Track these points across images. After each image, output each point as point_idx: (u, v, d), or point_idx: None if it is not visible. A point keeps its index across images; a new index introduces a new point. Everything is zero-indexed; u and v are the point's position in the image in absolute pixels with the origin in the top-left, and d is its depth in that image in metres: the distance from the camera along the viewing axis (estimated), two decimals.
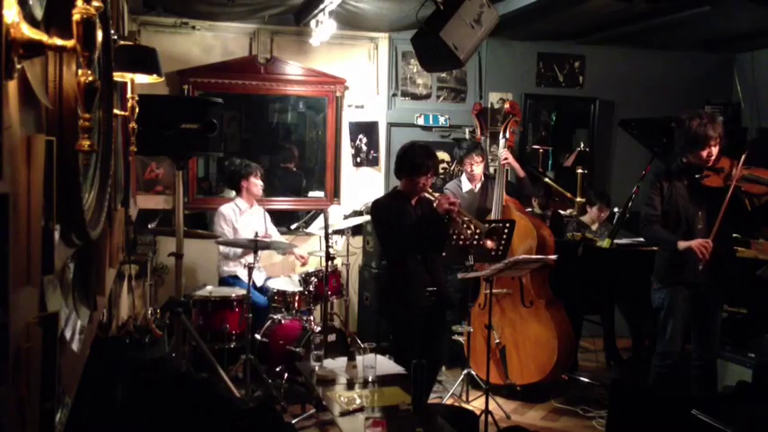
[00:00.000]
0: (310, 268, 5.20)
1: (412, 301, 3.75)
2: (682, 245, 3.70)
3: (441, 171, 6.18)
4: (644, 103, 6.41)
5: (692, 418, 2.79)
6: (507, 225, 4.22)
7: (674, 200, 3.82)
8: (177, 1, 5.12)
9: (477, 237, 3.76)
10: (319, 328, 4.62)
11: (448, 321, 4.64)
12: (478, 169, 5.00)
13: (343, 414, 2.92)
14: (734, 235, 4.79)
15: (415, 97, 6.25)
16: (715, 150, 3.72)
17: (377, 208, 3.85)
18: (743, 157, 3.70)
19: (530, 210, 5.37)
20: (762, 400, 3.42)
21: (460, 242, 3.88)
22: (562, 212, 5.93)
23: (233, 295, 4.58)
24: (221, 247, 5.09)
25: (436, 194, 3.80)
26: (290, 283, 5.02)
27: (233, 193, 5.48)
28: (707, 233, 3.70)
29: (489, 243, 3.82)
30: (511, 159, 4.89)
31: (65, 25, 1.13)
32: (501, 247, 4.31)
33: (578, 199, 5.81)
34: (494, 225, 3.84)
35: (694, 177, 3.78)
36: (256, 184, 5.22)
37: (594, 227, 5.49)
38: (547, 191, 6.07)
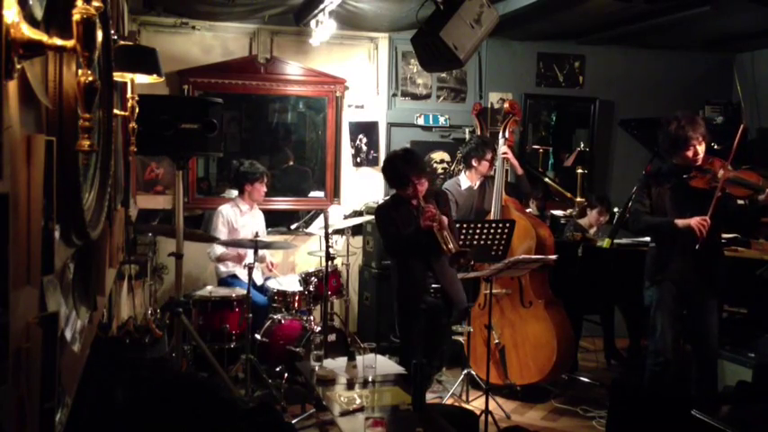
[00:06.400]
0: (310, 268, 5.20)
1: (416, 296, 4.11)
2: (680, 222, 3.70)
3: (440, 171, 6.17)
4: (644, 103, 6.40)
5: (691, 418, 2.79)
6: (495, 233, 4.31)
7: (660, 200, 3.84)
8: (177, 1, 5.12)
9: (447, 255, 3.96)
10: (319, 328, 4.62)
11: (448, 323, 4.66)
12: (485, 168, 4.97)
13: (343, 414, 2.92)
14: (734, 235, 4.81)
15: (415, 97, 6.25)
16: (701, 149, 3.71)
17: (379, 215, 4.20)
18: (729, 159, 3.71)
19: (528, 210, 5.36)
20: (762, 400, 3.42)
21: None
22: (560, 213, 5.92)
23: (233, 295, 4.58)
24: (215, 248, 5.07)
25: (423, 205, 3.95)
26: (289, 283, 5.01)
27: (233, 193, 5.47)
28: (692, 234, 3.66)
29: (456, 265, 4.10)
30: (510, 154, 4.88)
31: (65, 25, 1.13)
32: (501, 248, 4.34)
33: (578, 199, 5.81)
34: (462, 250, 3.94)
35: (682, 178, 3.79)
36: (260, 190, 5.20)
37: (592, 231, 5.47)
38: (545, 192, 6.05)
